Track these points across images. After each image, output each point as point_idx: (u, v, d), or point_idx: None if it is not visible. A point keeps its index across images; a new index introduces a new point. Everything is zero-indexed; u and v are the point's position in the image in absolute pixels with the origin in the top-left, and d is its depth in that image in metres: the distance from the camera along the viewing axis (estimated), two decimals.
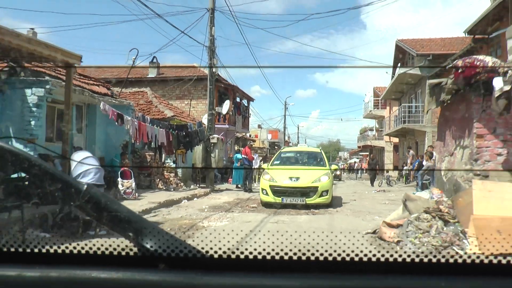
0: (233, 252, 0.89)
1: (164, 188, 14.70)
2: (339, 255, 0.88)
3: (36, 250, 0.91)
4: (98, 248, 0.89)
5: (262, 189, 11.38)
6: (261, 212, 10.04)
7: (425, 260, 0.87)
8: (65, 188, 0.90)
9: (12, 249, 0.91)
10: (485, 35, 16.88)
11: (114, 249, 0.89)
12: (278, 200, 10.92)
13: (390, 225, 6.10)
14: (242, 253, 0.89)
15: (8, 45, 5.88)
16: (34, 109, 9.60)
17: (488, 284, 0.85)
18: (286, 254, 0.88)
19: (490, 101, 5.80)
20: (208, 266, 0.86)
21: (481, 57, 6.10)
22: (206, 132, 17.08)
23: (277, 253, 0.88)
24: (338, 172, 31.77)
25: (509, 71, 5.55)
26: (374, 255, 0.88)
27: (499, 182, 5.95)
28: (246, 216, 9.33)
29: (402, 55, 29.50)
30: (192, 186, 16.26)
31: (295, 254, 0.88)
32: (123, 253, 0.89)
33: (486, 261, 0.87)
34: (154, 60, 24.98)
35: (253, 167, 17.37)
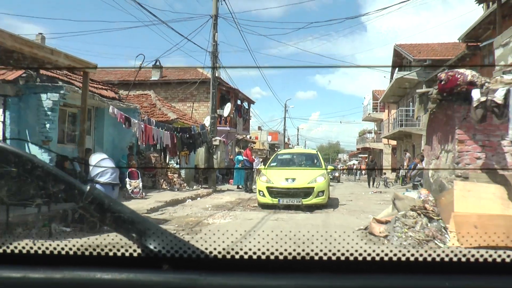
0: (237, 253, 0.89)
1: (168, 188, 15.32)
2: (342, 254, 0.89)
3: (40, 252, 0.91)
4: (102, 249, 0.90)
5: (259, 191, 11.58)
6: (262, 210, 10.63)
7: (429, 259, 0.87)
8: (68, 189, 0.91)
9: (16, 251, 0.91)
10: (478, 42, 17.51)
11: (118, 250, 0.90)
12: (275, 201, 11.07)
13: (379, 222, 6.74)
14: (245, 253, 0.89)
15: (34, 56, 6.49)
16: (49, 112, 10.21)
17: (491, 282, 0.85)
18: (289, 254, 0.88)
19: (470, 110, 6.44)
20: (212, 267, 0.86)
21: (462, 70, 6.74)
22: (208, 135, 17.69)
23: (281, 253, 0.88)
24: (337, 174, 32.36)
25: (486, 84, 6.18)
26: (377, 254, 0.88)
27: (478, 183, 6.57)
28: (248, 214, 9.93)
29: (400, 59, 30.11)
30: (195, 187, 16.88)
31: (298, 254, 0.88)
32: (127, 254, 0.90)
33: (490, 259, 0.86)
34: (157, 63, 25.58)
35: (253, 169, 17.96)
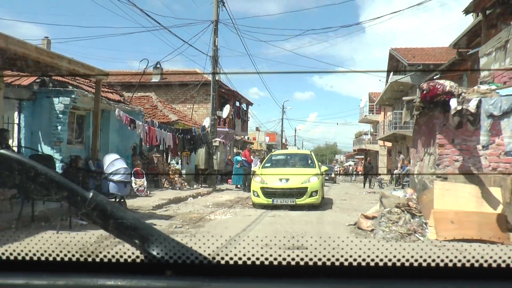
0: (240, 258, 0.89)
1: (170, 187, 16.01)
2: (346, 260, 0.88)
3: (43, 259, 0.91)
4: (105, 256, 0.90)
5: (253, 191, 11.73)
6: (260, 208, 11.28)
7: (433, 264, 0.86)
8: (72, 196, 0.91)
9: (20, 257, 0.91)
10: (468, 49, 18.22)
11: (121, 256, 0.90)
12: (269, 201, 11.23)
13: (367, 217, 7.44)
14: (248, 258, 0.89)
15: (54, 65, 7.16)
16: (60, 115, 10.87)
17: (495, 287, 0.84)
18: (293, 259, 0.88)
19: (448, 117, 7.14)
20: (215, 272, 0.86)
21: (441, 81, 7.45)
22: (208, 136, 18.37)
23: (284, 259, 0.88)
24: (333, 175, 33.04)
25: (463, 94, 6.88)
26: (381, 260, 0.88)
27: (455, 183, 7.28)
28: (247, 211, 10.61)
29: (395, 63, 30.83)
30: (195, 186, 17.56)
31: (302, 259, 0.88)
32: (130, 260, 0.89)
33: (494, 265, 0.86)
34: (158, 66, 26.19)
35: (252, 169, 18.62)
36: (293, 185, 11.35)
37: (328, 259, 0.88)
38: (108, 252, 0.91)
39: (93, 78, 8.91)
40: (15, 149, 9.97)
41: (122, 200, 7.85)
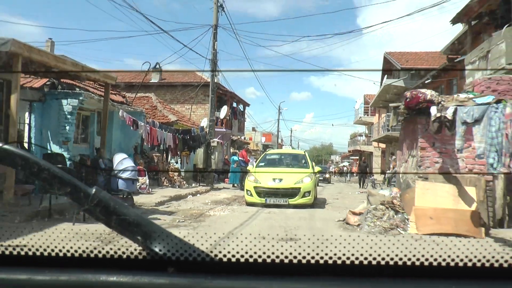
0: (242, 256, 0.89)
1: (169, 185, 16.66)
2: (348, 258, 0.88)
3: (46, 254, 0.92)
4: (107, 252, 0.90)
5: (247, 190, 11.93)
6: (256, 205, 11.90)
7: (434, 263, 0.86)
8: (74, 192, 0.92)
9: (22, 253, 0.92)
10: (458, 55, 18.97)
11: (123, 252, 0.90)
12: (262, 200, 11.40)
13: (354, 213, 8.14)
14: (251, 256, 0.89)
15: (72, 73, 7.82)
16: (68, 116, 11.48)
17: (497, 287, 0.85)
18: (295, 257, 0.88)
19: (429, 123, 7.84)
20: (217, 270, 0.87)
21: (423, 90, 8.16)
22: (207, 136, 19.03)
23: (286, 257, 0.88)
24: (327, 175, 33.73)
25: (442, 102, 7.58)
26: (383, 258, 0.87)
27: (435, 182, 7.99)
28: (244, 208, 11.26)
29: (389, 66, 31.54)
30: (193, 184, 18.22)
31: (304, 257, 0.87)
32: (132, 256, 0.90)
33: (496, 265, 0.85)
34: (157, 67, 26.78)
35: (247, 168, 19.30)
36: (286, 185, 11.54)
37: (330, 257, 0.87)
38: (111, 248, 0.90)
39: (102, 82, 9.56)
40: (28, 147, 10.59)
41: (130, 196, 8.49)
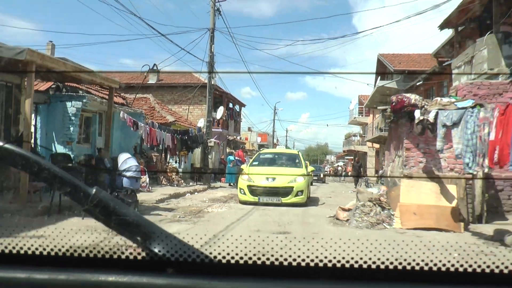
0: (241, 258, 0.89)
1: (168, 184, 17.20)
2: (356, 262, 0.87)
3: (45, 253, 0.92)
4: (107, 252, 0.91)
5: (240, 189, 12.07)
6: (249, 204, 12.35)
7: (434, 268, 0.86)
8: (74, 191, 0.92)
9: (22, 251, 0.92)
10: (448, 58, 19.60)
11: (122, 252, 0.90)
12: (255, 199, 11.53)
13: (344, 209, 8.72)
14: (250, 258, 0.89)
15: (78, 78, 8.34)
16: (72, 118, 12.00)
17: None
18: (294, 260, 0.87)
19: (413, 126, 8.44)
20: (216, 271, 0.87)
21: (408, 95, 8.75)
22: (204, 137, 19.57)
23: (285, 259, 0.88)
24: (322, 175, 34.31)
25: (425, 106, 8.16)
26: (382, 262, 0.87)
27: (419, 181, 8.59)
28: (240, 205, 11.78)
29: (383, 68, 32.19)
30: (191, 183, 18.75)
31: (303, 260, 0.87)
32: (131, 257, 0.90)
33: (506, 271, 0.84)
34: (155, 68, 27.24)
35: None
36: (279, 184, 11.71)
37: (330, 261, 0.87)
38: (110, 249, 0.91)
39: (106, 86, 10.12)
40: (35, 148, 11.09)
41: (133, 193, 9.02)
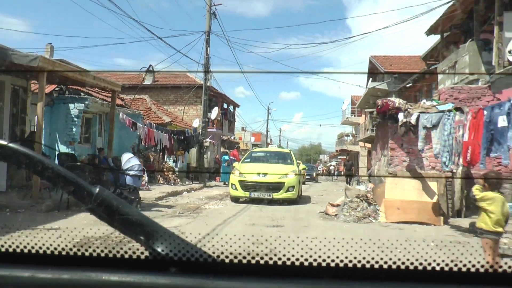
0: (244, 257, 0.89)
1: (165, 183, 17.76)
2: (350, 261, 0.88)
3: (48, 252, 0.92)
4: (110, 251, 0.91)
5: (232, 184, 12.17)
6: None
7: (437, 268, 0.85)
8: (78, 190, 0.92)
9: (25, 251, 0.93)
10: (436, 61, 20.30)
11: (126, 252, 0.90)
12: (246, 194, 11.62)
13: (333, 205, 9.36)
14: (253, 258, 0.89)
15: (82, 81, 8.89)
16: (75, 119, 12.55)
17: None
18: (297, 259, 0.87)
19: (397, 127, 9.09)
20: (219, 271, 0.87)
21: (392, 99, 9.41)
22: (200, 137, 20.14)
23: (288, 259, 0.88)
24: (314, 174, 34.96)
25: (408, 109, 8.81)
26: (385, 262, 0.87)
27: (403, 178, 9.25)
28: (235, 202, 12.40)
29: (374, 69, 32.87)
30: (187, 182, 19.32)
31: (306, 260, 0.87)
32: (134, 256, 0.90)
33: (500, 270, 0.84)
34: (151, 69, 27.68)
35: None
36: (271, 179, 11.79)
37: (333, 260, 0.87)
38: (113, 248, 0.91)
39: (109, 89, 10.71)
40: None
41: (135, 190, 9.58)
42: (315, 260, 0.87)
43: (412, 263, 0.85)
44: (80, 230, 5.73)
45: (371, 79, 32.80)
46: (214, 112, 28.22)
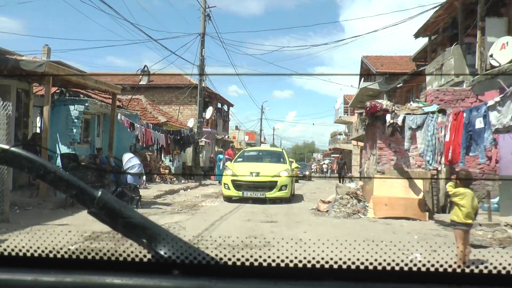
0: (247, 260, 0.89)
1: (161, 181, 18.19)
2: (346, 261, 0.88)
3: (51, 255, 0.92)
4: (112, 254, 0.91)
5: (224, 184, 12.16)
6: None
7: (432, 269, 0.86)
8: (80, 194, 0.92)
9: (28, 254, 0.93)
10: (426, 62, 20.85)
11: (128, 255, 0.91)
12: (239, 193, 11.62)
13: (324, 202, 9.85)
14: (256, 260, 0.89)
15: (84, 84, 9.30)
16: (75, 120, 12.92)
17: None
18: (300, 261, 0.88)
19: (385, 128, 9.60)
20: (222, 273, 0.87)
21: (380, 101, 9.93)
22: (195, 136, 20.58)
23: (291, 261, 0.88)
24: (307, 173, 35.46)
25: (395, 111, 9.32)
26: (379, 264, 0.87)
27: (390, 176, 9.75)
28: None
29: (366, 70, 33.42)
30: (183, 181, 19.76)
31: (309, 262, 0.88)
32: (137, 259, 0.90)
33: (494, 271, 0.84)
34: (146, 69, 28.03)
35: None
36: (263, 178, 11.76)
37: (335, 262, 0.87)
38: (116, 251, 0.91)
39: (109, 92, 11.17)
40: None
41: (136, 188, 10.01)
42: (317, 262, 0.89)
43: (397, 264, 0.86)
44: (88, 226, 6.14)
45: (363, 79, 33.36)
46: (209, 112, 28.64)
